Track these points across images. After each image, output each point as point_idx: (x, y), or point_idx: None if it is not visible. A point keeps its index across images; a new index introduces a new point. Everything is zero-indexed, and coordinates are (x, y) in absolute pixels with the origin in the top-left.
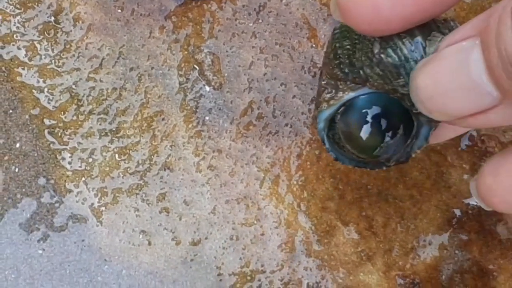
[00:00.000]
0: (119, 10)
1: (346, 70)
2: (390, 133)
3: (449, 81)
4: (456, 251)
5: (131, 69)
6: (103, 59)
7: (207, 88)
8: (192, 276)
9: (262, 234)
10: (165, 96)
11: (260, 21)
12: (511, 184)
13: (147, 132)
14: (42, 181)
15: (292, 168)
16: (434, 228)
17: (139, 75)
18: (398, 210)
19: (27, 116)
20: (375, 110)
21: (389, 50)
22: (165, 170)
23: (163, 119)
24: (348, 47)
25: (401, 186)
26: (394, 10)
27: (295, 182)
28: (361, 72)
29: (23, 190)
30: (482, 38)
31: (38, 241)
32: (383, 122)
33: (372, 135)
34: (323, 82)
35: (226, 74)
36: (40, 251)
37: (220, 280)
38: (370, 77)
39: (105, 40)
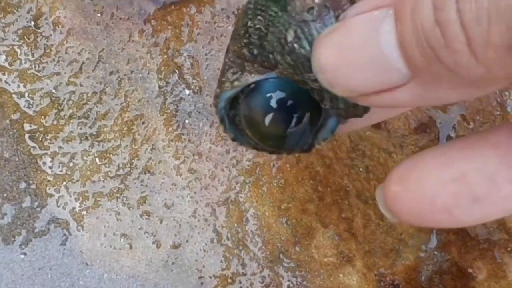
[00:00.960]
0: (99, 14)
1: (255, 52)
2: (294, 122)
3: (354, 53)
4: (435, 252)
5: (111, 73)
6: (83, 63)
7: (187, 92)
8: (173, 279)
9: (243, 237)
10: (145, 100)
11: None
12: (420, 193)
13: (127, 136)
14: (23, 185)
15: (271, 171)
16: (413, 230)
17: (119, 79)
18: (378, 212)
19: (7, 121)
20: (280, 95)
21: (304, 42)
22: (145, 173)
23: (143, 123)
24: (261, 27)
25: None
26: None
27: (275, 185)
28: (271, 56)
29: (4, 195)
30: (397, 9)
31: (20, 245)
32: (288, 109)
33: (275, 122)
34: (228, 60)
35: (205, 78)
36: (22, 256)
37: (202, 283)
38: (280, 64)
39: (84, 44)
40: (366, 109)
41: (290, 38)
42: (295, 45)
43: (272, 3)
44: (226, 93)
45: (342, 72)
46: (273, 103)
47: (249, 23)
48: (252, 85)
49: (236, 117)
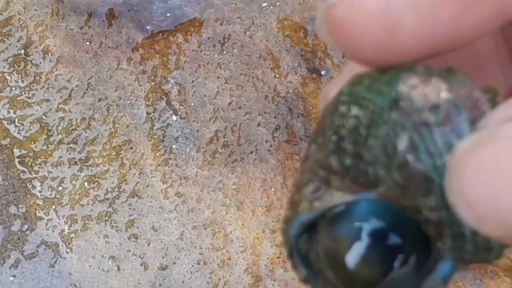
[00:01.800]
0: (87, 43)
1: (348, 162)
2: (395, 265)
3: None
4: None
5: (100, 99)
6: (72, 90)
7: (174, 118)
8: None
9: (229, 259)
10: (133, 126)
11: (225, 52)
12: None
13: (115, 161)
14: (13, 209)
15: (257, 194)
16: None
17: (107, 105)
18: None
19: None
20: (376, 224)
21: (423, 153)
22: (133, 197)
23: (131, 148)
24: (358, 128)
25: None
26: (420, 33)
27: (260, 208)
28: (370, 170)
29: None
30: None
31: (10, 267)
32: (387, 246)
33: (367, 263)
34: (308, 171)
35: (192, 104)
36: (11, 278)
37: None
38: (382, 183)
39: (74, 72)
40: (499, 254)
41: (402, 146)
42: (409, 157)
43: (376, 95)
44: (301, 217)
45: (505, 200)
46: (364, 236)
47: (341, 121)
48: (339, 208)
49: (311, 251)
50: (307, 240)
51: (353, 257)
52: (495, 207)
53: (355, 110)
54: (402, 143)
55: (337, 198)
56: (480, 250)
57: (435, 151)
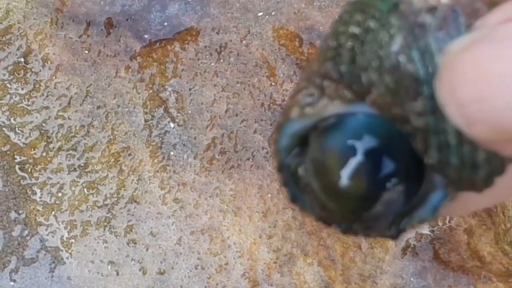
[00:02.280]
0: (86, 51)
1: (343, 69)
2: (389, 184)
3: None
4: (412, 279)
5: (98, 107)
6: (71, 97)
7: (172, 125)
8: None
9: (226, 264)
10: (132, 133)
11: (222, 61)
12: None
13: (114, 167)
14: (13, 215)
15: (253, 200)
16: (390, 257)
17: (106, 112)
18: (356, 240)
19: None
20: (370, 142)
21: (415, 53)
22: (132, 203)
23: (129, 155)
24: (356, 33)
25: None
26: None
27: (256, 214)
28: (364, 76)
29: None
30: None
31: (10, 273)
32: (379, 165)
33: (356, 179)
34: (304, 77)
35: (189, 111)
36: (12, 283)
37: None
38: (374, 88)
39: (73, 80)
40: (489, 178)
41: (395, 47)
42: (401, 57)
43: (379, 1)
44: (292, 125)
45: (496, 101)
46: (359, 152)
47: (343, 28)
48: (331, 120)
49: (300, 167)
50: (297, 155)
51: (344, 172)
52: (485, 108)
53: (357, 17)
54: (396, 45)
55: (330, 107)
56: (466, 165)
57: (428, 52)
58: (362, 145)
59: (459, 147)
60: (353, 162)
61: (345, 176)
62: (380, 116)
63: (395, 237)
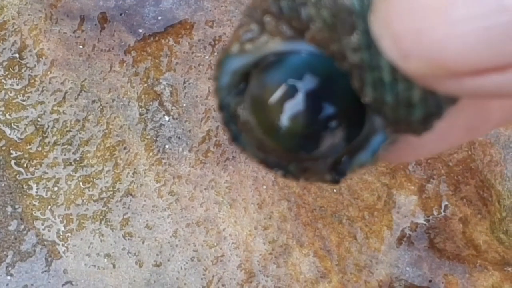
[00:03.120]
0: (81, 46)
1: (283, 4)
2: (330, 124)
3: (458, 3)
4: (407, 268)
5: (93, 101)
6: (66, 92)
7: (167, 118)
8: None
9: (222, 255)
10: (127, 127)
11: (216, 54)
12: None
13: (109, 161)
14: (9, 209)
15: (248, 192)
16: (385, 247)
17: (101, 107)
18: (351, 230)
19: None
20: (311, 82)
21: None
22: (127, 196)
23: (124, 148)
24: None
25: (354, 207)
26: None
27: (252, 205)
28: (302, 11)
29: None
30: None
31: (6, 267)
32: (320, 104)
33: (298, 119)
34: (245, 13)
35: (184, 105)
36: (9, 277)
37: None
38: (312, 23)
39: (67, 75)
40: (426, 120)
41: None
42: None
43: None
44: (232, 61)
45: (433, 34)
46: (300, 91)
47: None
48: (272, 58)
49: (240, 106)
50: (238, 94)
51: (284, 112)
52: (421, 40)
53: None
54: None
55: (271, 44)
56: (401, 104)
57: None
58: (303, 85)
59: (394, 84)
60: (293, 102)
61: (284, 117)
62: (321, 54)
63: (334, 181)
